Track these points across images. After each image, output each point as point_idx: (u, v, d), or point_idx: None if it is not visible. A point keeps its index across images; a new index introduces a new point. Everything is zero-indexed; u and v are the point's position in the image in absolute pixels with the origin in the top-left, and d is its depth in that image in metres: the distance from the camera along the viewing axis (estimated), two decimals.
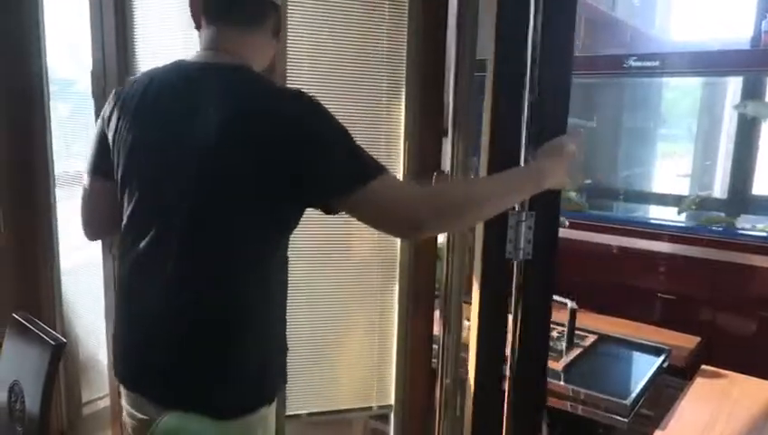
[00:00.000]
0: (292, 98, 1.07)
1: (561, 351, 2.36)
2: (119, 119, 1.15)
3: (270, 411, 1.20)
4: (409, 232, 1.22)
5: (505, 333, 1.44)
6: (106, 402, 2.24)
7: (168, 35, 1.78)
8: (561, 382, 2.19)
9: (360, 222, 1.12)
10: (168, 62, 1.17)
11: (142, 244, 1.11)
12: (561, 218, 1.53)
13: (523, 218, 1.33)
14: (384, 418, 2.09)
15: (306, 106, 1.06)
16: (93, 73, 1.89)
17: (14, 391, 1.35)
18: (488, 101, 1.33)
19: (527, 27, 1.30)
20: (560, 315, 2.48)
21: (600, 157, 4.26)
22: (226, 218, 1.07)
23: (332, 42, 1.71)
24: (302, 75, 1.69)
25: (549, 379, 2.21)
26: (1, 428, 1.39)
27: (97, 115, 1.46)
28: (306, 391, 1.90)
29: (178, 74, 1.13)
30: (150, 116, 1.13)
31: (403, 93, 1.78)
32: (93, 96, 1.91)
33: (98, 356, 2.49)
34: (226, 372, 1.10)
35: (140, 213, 1.13)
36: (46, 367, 1.26)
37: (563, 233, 1.56)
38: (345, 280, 1.89)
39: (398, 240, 1.86)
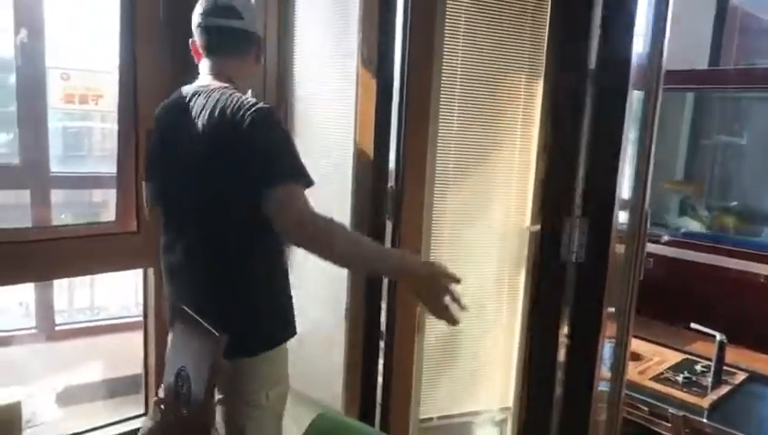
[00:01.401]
0: (251, 110, 1.31)
1: (707, 387, 2.19)
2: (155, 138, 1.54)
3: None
4: (291, 236, 1.38)
5: (558, 331, 1.53)
6: None
7: (320, 42, 1.89)
8: (705, 420, 2.05)
9: None
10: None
11: (173, 241, 1.48)
12: (662, 235, 1.59)
13: (577, 224, 1.42)
14: None
15: (258, 117, 1.30)
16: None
17: (181, 375, 1.48)
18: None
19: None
20: (705, 348, 2.32)
21: (750, 177, 3.90)
22: (221, 212, 1.36)
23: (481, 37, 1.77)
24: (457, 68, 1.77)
25: (690, 414, 2.08)
26: (168, 409, 1.53)
27: None
28: (437, 395, 1.93)
29: (187, 94, 1.44)
30: (170, 132, 1.47)
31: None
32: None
33: None
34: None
35: (167, 216, 1.51)
36: (211, 355, 1.37)
37: (705, 258, 1.52)
38: (476, 288, 1.91)
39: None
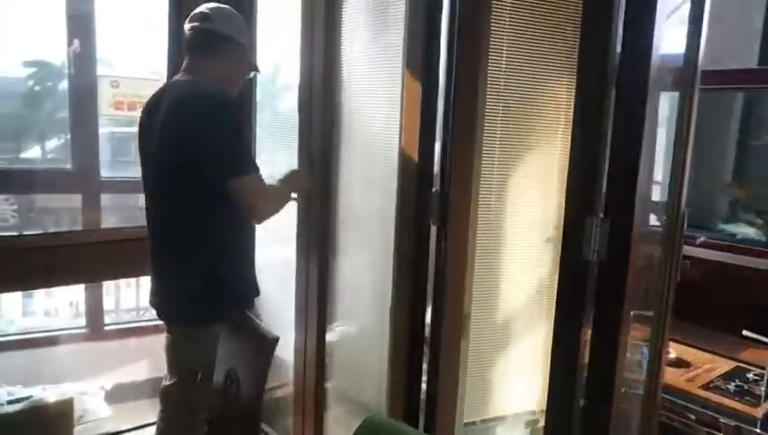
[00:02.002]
0: (208, 100, 1.54)
1: (760, 396, 2.12)
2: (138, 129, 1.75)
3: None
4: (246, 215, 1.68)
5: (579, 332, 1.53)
6: (284, 391, 2.42)
7: (366, 45, 1.91)
8: (758, 429, 1.98)
9: None
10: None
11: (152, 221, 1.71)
12: (697, 236, 1.61)
13: (598, 223, 1.46)
14: None
15: (213, 108, 1.52)
16: (301, 86, 2.04)
17: (230, 375, 1.52)
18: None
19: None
20: (757, 356, 2.25)
21: None
22: (183, 194, 1.56)
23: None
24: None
25: (742, 424, 2.02)
26: (217, 406, 1.57)
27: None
28: (479, 398, 1.93)
29: (164, 87, 1.71)
30: (147, 123, 1.68)
31: None
32: (300, 108, 2.06)
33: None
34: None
35: (147, 197, 1.73)
36: (260, 357, 1.40)
37: (757, 263, 1.50)
38: (520, 289, 1.92)
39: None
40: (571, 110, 1.79)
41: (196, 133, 1.50)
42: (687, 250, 3.44)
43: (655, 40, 1.48)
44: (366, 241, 1.97)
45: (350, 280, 1.95)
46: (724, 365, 2.39)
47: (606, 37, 1.45)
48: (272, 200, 1.70)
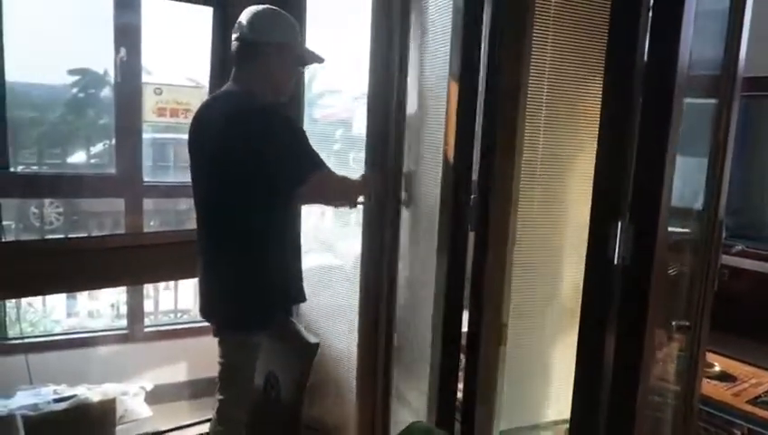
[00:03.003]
0: (264, 114, 1.58)
1: None
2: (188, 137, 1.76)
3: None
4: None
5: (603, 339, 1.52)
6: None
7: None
8: None
9: None
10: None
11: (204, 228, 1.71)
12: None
13: (623, 229, 1.45)
14: None
15: (270, 119, 1.57)
16: (371, 94, 2.04)
17: (270, 380, 1.54)
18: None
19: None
20: None
21: None
22: (241, 202, 1.58)
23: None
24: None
25: None
26: (257, 410, 1.59)
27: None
28: (516, 405, 1.93)
29: (214, 97, 1.73)
30: (199, 134, 1.71)
31: None
32: (369, 113, 2.06)
33: None
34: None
35: (199, 205, 1.73)
36: (302, 362, 1.42)
37: None
38: (558, 295, 1.91)
39: None
40: None
41: (257, 146, 1.53)
42: (733, 260, 3.36)
43: (682, 45, 1.46)
44: (424, 248, 1.99)
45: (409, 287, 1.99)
46: None
47: (633, 40, 1.44)
48: (346, 189, 1.81)
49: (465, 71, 1.67)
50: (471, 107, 1.69)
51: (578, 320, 1.90)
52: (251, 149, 1.53)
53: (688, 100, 1.47)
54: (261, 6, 1.69)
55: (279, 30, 1.69)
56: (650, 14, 1.44)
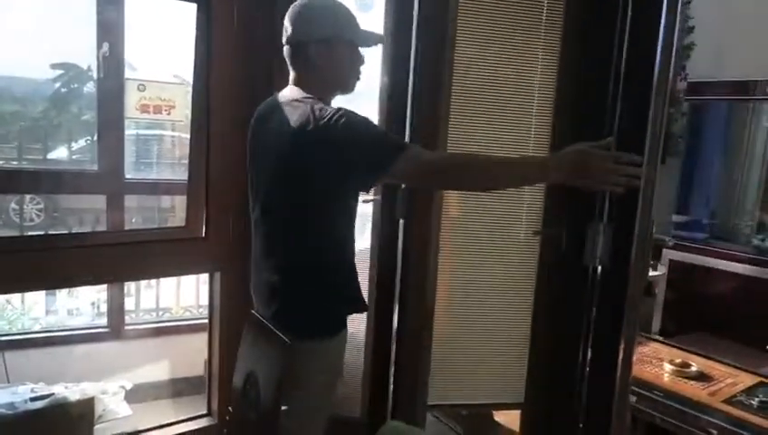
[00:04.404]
0: (332, 120, 1.42)
1: None
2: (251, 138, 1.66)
3: None
4: (428, 186, 1.85)
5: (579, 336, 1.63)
6: None
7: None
8: None
9: None
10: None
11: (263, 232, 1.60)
12: (665, 238, 1.67)
13: (601, 230, 1.50)
14: None
15: (335, 123, 1.42)
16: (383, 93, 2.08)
17: (249, 380, 1.53)
18: None
19: None
20: None
21: None
22: (299, 203, 1.49)
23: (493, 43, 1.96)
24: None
25: None
26: (237, 410, 1.58)
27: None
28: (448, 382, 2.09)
29: (274, 101, 1.61)
30: (260, 139, 1.63)
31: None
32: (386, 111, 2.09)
33: None
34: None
35: (258, 210, 1.61)
36: (279, 361, 1.41)
37: None
38: (493, 280, 2.06)
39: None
40: (544, 108, 1.94)
41: (327, 157, 1.44)
42: (710, 261, 3.41)
43: (659, 50, 1.49)
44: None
45: None
46: (748, 380, 2.36)
47: (611, 47, 1.48)
48: (471, 165, 1.51)
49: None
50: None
51: (509, 303, 2.06)
52: (322, 160, 1.44)
53: None
54: (301, 2, 1.56)
55: (322, 24, 1.55)
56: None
